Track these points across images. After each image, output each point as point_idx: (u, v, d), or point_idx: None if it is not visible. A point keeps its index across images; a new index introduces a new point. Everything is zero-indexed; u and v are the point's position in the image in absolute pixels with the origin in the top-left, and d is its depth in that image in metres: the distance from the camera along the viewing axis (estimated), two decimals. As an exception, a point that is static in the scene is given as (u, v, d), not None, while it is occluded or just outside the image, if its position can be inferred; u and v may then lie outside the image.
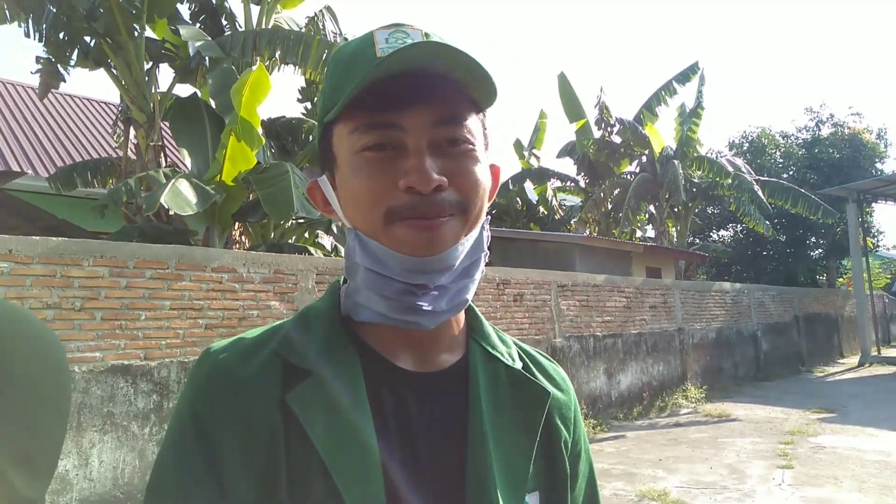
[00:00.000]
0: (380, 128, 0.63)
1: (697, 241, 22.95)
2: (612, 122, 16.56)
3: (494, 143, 0.79)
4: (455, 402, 0.68)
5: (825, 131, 23.80)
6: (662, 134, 16.58)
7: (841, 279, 24.89)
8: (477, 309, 0.76)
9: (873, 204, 20.77)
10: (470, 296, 0.69)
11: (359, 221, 0.66)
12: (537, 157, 18.48)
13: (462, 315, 0.74)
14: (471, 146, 0.65)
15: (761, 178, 17.07)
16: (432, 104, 0.63)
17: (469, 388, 0.69)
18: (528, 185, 17.95)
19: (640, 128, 15.93)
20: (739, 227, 22.90)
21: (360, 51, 0.65)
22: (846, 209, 16.96)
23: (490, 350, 0.73)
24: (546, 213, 18.09)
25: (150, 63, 8.19)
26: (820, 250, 23.27)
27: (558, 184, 18.30)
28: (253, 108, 6.27)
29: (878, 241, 25.56)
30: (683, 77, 15.70)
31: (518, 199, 18.05)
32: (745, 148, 24.18)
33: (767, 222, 17.34)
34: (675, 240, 17.63)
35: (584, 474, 0.78)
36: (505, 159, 17.93)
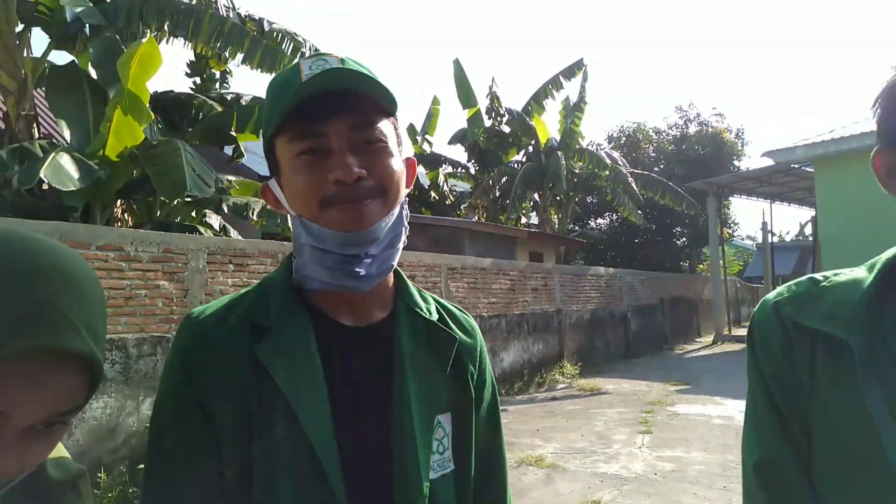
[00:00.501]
0: (310, 136, 0.82)
1: (577, 228, 24.30)
2: (502, 112, 17.17)
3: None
4: (385, 349, 0.90)
5: (692, 129, 25.85)
6: (548, 125, 17.40)
7: (701, 265, 27.29)
8: (402, 272, 0.99)
9: (730, 197, 22.94)
10: (395, 262, 0.90)
11: (301, 210, 0.85)
12: (430, 143, 18.82)
13: (391, 278, 0.95)
14: (383, 144, 0.85)
15: (635, 171, 18.36)
16: (349, 114, 0.83)
17: (395, 337, 0.92)
18: (421, 170, 18.26)
19: (528, 119, 16.64)
20: (615, 216, 24.45)
21: (290, 77, 0.84)
22: (707, 202, 18.64)
23: (412, 306, 0.95)
24: (437, 197, 18.48)
25: (22, 26, 7.63)
26: (684, 239, 25.38)
27: (450, 169, 18.74)
28: (142, 82, 6.07)
29: (733, 231, 28.22)
30: (569, 72, 16.54)
31: (410, 183, 18.33)
32: (622, 142, 25.80)
33: (640, 212, 18.71)
34: (557, 226, 18.62)
35: (487, 399, 1.01)
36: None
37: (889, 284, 0.79)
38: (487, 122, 17.55)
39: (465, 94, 17.56)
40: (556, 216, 18.85)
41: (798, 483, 0.80)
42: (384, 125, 0.86)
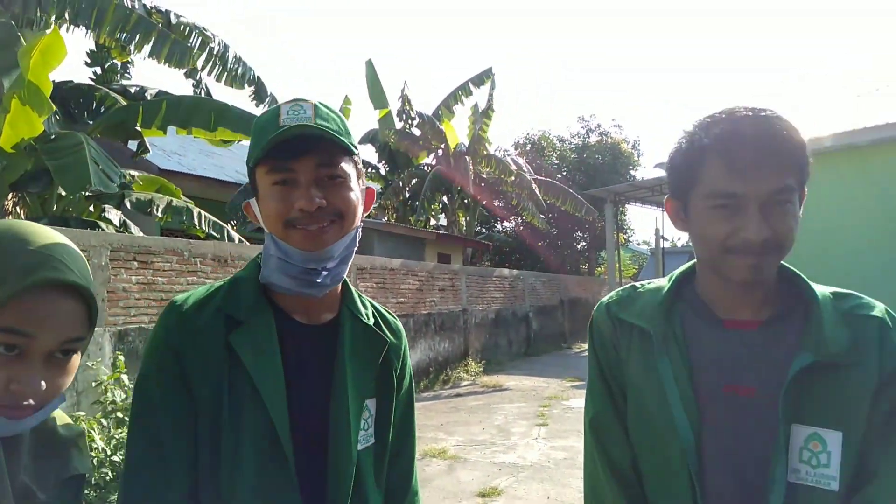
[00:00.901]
0: (282, 171, 1.04)
1: (484, 230, 24.99)
2: (413, 115, 17.45)
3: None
4: (330, 345, 1.14)
5: (593, 139, 27.19)
6: (457, 131, 17.85)
7: (599, 268, 28.70)
8: (349, 282, 1.22)
9: (627, 205, 24.31)
10: (345, 274, 1.14)
11: (272, 228, 1.07)
12: (340, 142, 18.81)
13: (339, 286, 1.18)
14: (342, 179, 1.07)
15: (539, 178, 19.14)
16: (316, 154, 1.04)
17: (338, 336, 1.15)
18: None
19: (438, 123, 17.02)
20: (520, 220, 25.32)
21: (271, 119, 1.06)
22: (605, 208, 19.73)
23: (354, 312, 1.18)
24: (347, 197, 18.51)
25: None
26: (584, 243, 26.63)
27: (360, 170, 18.81)
28: (44, 73, 5.87)
29: (629, 236, 29.91)
30: (478, 80, 17.07)
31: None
32: (527, 148, 26.75)
33: (542, 216, 19.52)
34: (465, 229, 19.13)
35: (405, 388, 1.27)
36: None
37: (677, 291, 1.13)
38: (399, 125, 17.79)
39: (377, 96, 17.73)
40: (463, 219, 19.35)
41: (618, 432, 1.13)
42: (345, 163, 1.08)
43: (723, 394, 1.03)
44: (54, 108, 6.47)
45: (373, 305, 1.27)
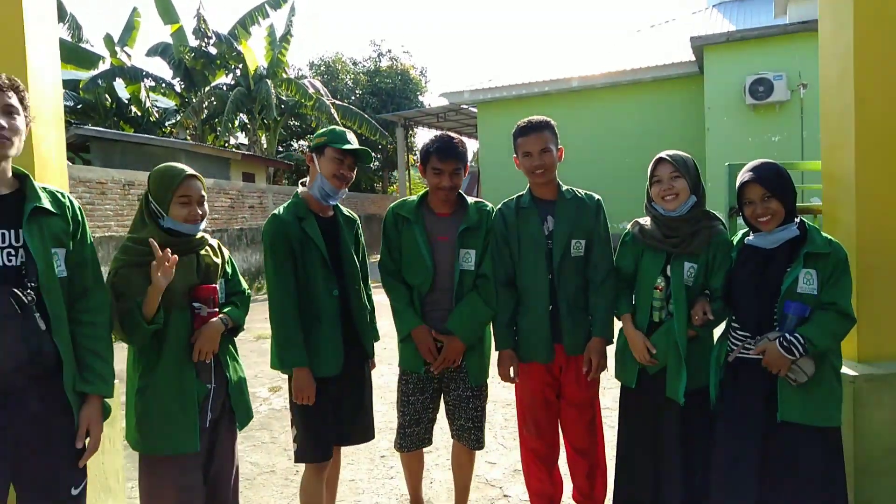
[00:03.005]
0: (339, 156, 2.53)
1: (282, 150, 25.63)
2: (209, 34, 17.45)
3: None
4: (338, 230, 2.68)
5: (384, 63, 28.62)
6: (256, 53, 18.24)
7: (391, 187, 30.92)
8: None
9: (416, 128, 26.45)
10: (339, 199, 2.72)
11: (325, 174, 2.51)
12: (129, 56, 18.13)
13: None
14: (354, 169, 2.62)
15: (336, 103, 20.32)
16: (352, 156, 2.56)
17: (338, 225, 2.73)
18: (120, 83, 17.65)
19: (236, 43, 17.29)
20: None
21: (343, 133, 2.58)
22: (396, 132, 21.62)
23: (338, 212, 2.78)
24: (140, 113, 18.14)
25: None
26: (377, 163, 28.49)
27: (152, 84, 18.41)
28: None
29: (418, 158, 32.37)
30: (275, 3, 17.52)
31: (107, 95, 17.62)
32: (321, 69, 27.44)
33: (339, 138, 20.89)
34: (266, 148, 19.84)
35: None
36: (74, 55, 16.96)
37: (422, 201, 2.86)
38: (194, 42, 17.67)
39: (166, 10, 17.35)
40: (264, 138, 19.99)
41: (394, 268, 2.82)
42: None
43: (438, 241, 2.75)
44: None
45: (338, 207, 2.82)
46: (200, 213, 2.18)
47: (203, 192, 2.22)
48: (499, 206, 2.78)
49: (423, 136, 30.17)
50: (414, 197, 2.76)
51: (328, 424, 2.50)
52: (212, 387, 2.18)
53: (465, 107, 19.74)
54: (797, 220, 2.22)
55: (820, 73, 2.93)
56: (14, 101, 1.73)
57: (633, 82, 15.88)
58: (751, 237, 2.29)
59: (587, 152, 15.71)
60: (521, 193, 2.74)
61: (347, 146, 2.52)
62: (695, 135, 14.29)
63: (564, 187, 2.69)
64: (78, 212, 1.90)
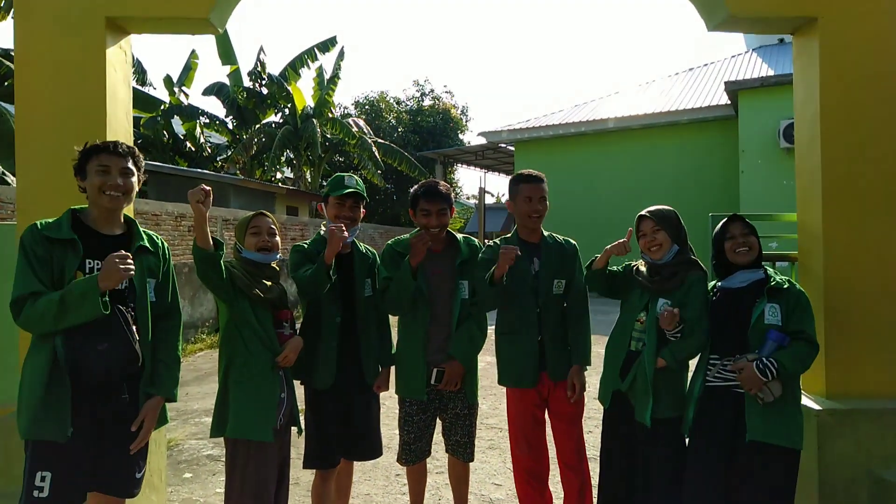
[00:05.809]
0: (340, 201, 2.92)
1: (325, 184, 26.48)
2: (264, 77, 18.48)
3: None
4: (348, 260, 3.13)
5: (427, 102, 29.49)
6: (304, 92, 19.18)
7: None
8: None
9: (455, 165, 27.12)
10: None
11: (332, 218, 2.92)
12: (186, 95, 19.26)
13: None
14: (358, 209, 2.99)
15: (378, 141, 21.10)
16: (352, 198, 2.95)
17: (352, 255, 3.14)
18: (177, 121, 18.74)
19: (286, 84, 18.25)
20: (360, 176, 27.14)
21: (342, 180, 2.98)
22: (436, 168, 22.25)
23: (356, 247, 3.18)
24: (194, 148, 19.18)
25: None
26: (417, 198, 29.09)
27: (207, 121, 19.48)
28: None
29: (457, 193, 32.98)
30: (323, 47, 18.48)
31: (165, 132, 18.72)
32: (366, 108, 28.44)
33: (380, 173, 21.60)
34: (310, 183, 20.65)
35: None
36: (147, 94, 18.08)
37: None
38: (248, 83, 18.71)
39: (226, 52, 18.45)
40: (308, 173, 20.83)
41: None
42: (361, 203, 3.01)
43: (433, 275, 3.03)
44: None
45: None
46: (271, 243, 2.58)
47: (273, 226, 2.64)
48: (489, 243, 3.13)
49: (462, 174, 30.77)
50: (407, 235, 3.06)
51: (328, 436, 2.84)
52: (284, 395, 2.56)
53: (502, 145, 20.26)
54: (763, 265, 2.59)
55: (795, 136, 3.24)
56: (130, 164, 2.19)
57: (669, 124, 16.15)
58: (721, 282, 2.63)
59: (621, 192, 15.99)
60: (507, 235, 3.11)
61: (339, 192, 2.87)
62: (730, 177, 14.44)
63: (546, 233, 3.05)
64: (167, 251, 2.37)
